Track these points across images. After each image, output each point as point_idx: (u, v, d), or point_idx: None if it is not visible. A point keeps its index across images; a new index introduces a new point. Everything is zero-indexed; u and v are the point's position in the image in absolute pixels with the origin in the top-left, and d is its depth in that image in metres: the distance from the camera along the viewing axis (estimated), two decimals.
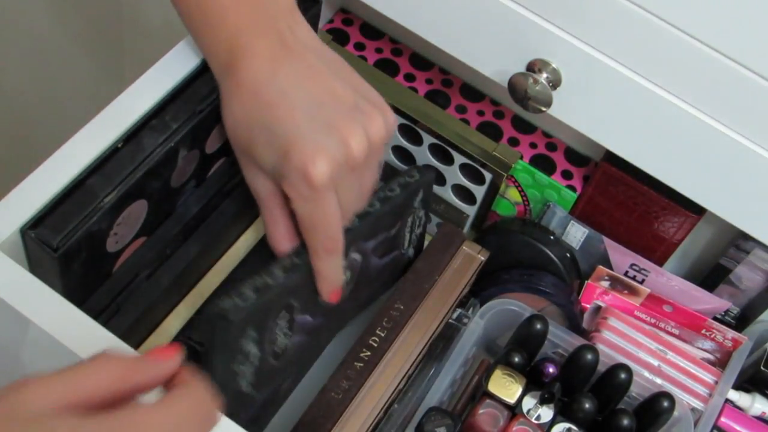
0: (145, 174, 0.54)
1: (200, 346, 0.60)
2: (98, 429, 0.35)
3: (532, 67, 0.61)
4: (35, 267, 0.53)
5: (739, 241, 0.73)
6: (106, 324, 0.56)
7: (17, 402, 0.35)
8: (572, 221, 0.76)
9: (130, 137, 0.55)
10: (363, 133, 0.52)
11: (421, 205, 0.67)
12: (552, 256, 0.76)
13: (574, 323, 0.75)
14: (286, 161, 0.51)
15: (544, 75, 0.60)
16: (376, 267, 0.65)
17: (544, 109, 0.62)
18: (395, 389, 0.63)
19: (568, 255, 0.77)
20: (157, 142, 0.55)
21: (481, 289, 0.76)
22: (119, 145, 0.54)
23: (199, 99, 0.57)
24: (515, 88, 0.62)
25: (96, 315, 0.57)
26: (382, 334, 0.65)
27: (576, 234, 0.77)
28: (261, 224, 0.67)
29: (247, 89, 0.52)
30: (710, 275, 0.77)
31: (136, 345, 0.60)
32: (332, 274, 0.57)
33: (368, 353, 0.64)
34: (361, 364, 0.64)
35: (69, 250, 0.50)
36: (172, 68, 0.59)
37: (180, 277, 0.62)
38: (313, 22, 0.64)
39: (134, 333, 0.60)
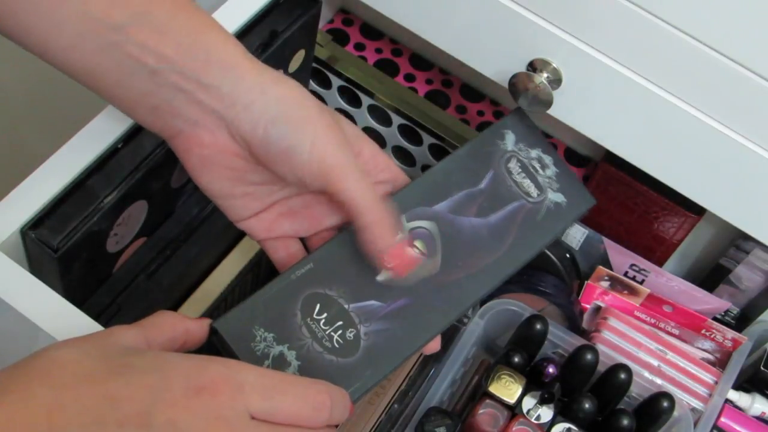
0: (145, 174, 0.54)
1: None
2: (184, 359, 0.39)
3: (533, 67, 0.61)
4: (35, 267, 0.53)
5: (738, 242, 0.73)
6: (106, 324, 0.56)
7: (110, 338, 0.41)
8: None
9: (131, 138, 0.55)
10: None
11: (522, 146, 0.61)
12: (551, 256, 0.76)
13: (573, 324, 0.75)
14: None
15: (545, 75, 0.60)
16: (477, 226, 0.58)
17: (544, 108, 0.62)
18: (397, 390, 0.63)
19: (568, 255, 0.77)
20: (158, 142, 0.55)
21: None
22: (119, 146, 0.54)
23: None
24: (516, 89, 0.62)
25: (97, 315, 0.57)
26: None
27: (576, 234, 0.77)
28: None
29: None
30: (710, 275, 0.77)
31: None
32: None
33: None
34: None
35: (69, 250, 0.50)
36: None
37: (180, 277, 0.62)
38: (313, 22, 0.64)
39: None
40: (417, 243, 0.55)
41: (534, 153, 0.61)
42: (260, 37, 0.60)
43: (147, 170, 0.54)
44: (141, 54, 0.45)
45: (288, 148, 0.48)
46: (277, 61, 0.62)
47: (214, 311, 0.67)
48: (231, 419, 0.38)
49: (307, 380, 0.43)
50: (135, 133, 0.55)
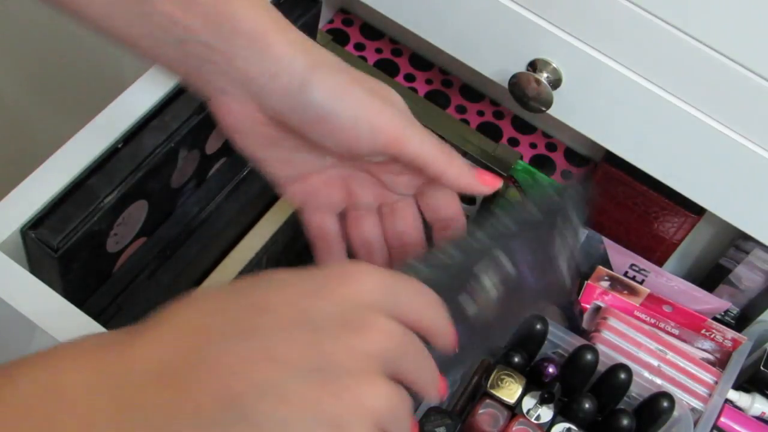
0: (145, 174, 0.54)
1: None
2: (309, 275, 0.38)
3: (533, 67, 0.61)
4: (35, 267, 0.53)
5: (738, 242, 0.73)
6: (106, 325, 0.56)
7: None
8: None
9: (131, 137, 0.55)
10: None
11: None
12: None
13: (573, 324, 0.75)
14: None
15: (545, 75, 0.60)
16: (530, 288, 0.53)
17: (544, 109, 0.62)
18: None
19: None
20: (158, 142, 0.55)
21: None
22: (119, 146, 0.54)
23: (199, 100, 0.57)
24: (516, 88, 0.62)
25: (97, 315, 0.57)
26: None
27: None
28: (265, 226, 0.67)
29: None
30: (710, 275, 0.77)
31: None
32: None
33: None
34: None
35: (69, 250, 0.50)
36: None
37: (181, 277, 0.62)
38: (313, 23, 0.64)
39: None
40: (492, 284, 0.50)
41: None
42: None
43: (147, 170, 0.54)
44: (168, 25, 0.45)
45: (325, 115, 0.46)
46: None
47: None
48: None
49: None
50: (135, 132, 0.55)
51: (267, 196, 0.68)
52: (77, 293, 0.54)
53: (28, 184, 0.52)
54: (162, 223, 0.60)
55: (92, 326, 0.50)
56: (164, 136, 0.55)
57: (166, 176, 0.57)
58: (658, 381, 0.71)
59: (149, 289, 0.60)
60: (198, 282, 0.65)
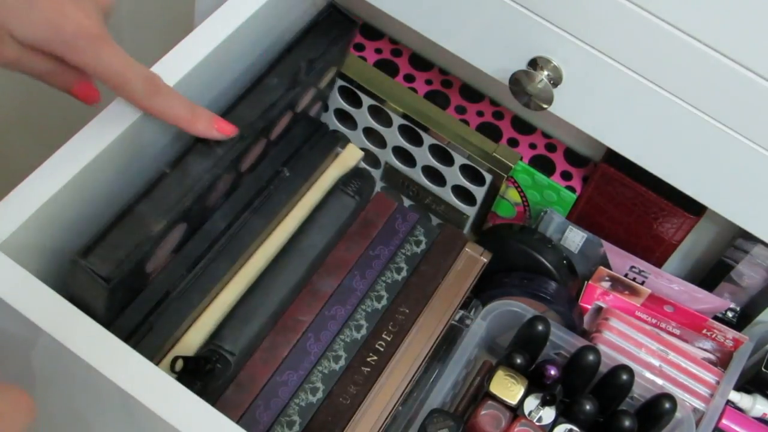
0: (192, 201, 0.54)
1: (231, 355, 0.60)
2: None
3: (534, 65, 0.61)
4: (76, 291, 0.52)
5: (738, 241, 0.73)
6: (138, 344, 0.56)
7: None
8: (570, 226, 0.76)
9: (177, 162, 0.55)
10: None
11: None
12: (548, 264, 0.76)
13: (572, 330, 0.75)
14: (59, 30, 0.49)
15: (545, 73, 0.60)
16: None
17: (545, 106, 0.62)
18: (402, 393, 0.63)
19: (565, 262, 0.77)
20: (205, 168, 0.55)
21: (481, 290, 0.75)
22: (167, 170, 0.54)
23: (244, 124, 0.57)
24: (516, 86, 0.62)
25: (129, 334, 0.56)
26: (388, 338, 0.65)
27: (575, 239, 0.77)
28: (279, 236, 0.67)
29: None
30: (711, 273, 0.76)
31: (158, 358, 0.60)
32: (182, 107, 0.55)
33: (375, 357, 0.64)
34: (368, 369, 0.63)
35: (120, 280, 0.50)
36: (173, 67, 0.58)
37: (209, 295, 0.62)
38: (348, 43, 0.65)
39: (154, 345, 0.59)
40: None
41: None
42: (303, 60, 0.61)
43: (194, 197, 0.54)
44: None
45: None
46: (314, 80, 0.63)
47: None
48: None
49: None
50: (181, 157, 0.55)
51: (290, 206, 0.68)
52: (113, 312, 0.54)
53: (28, 184, 0.52)
54: (190, 238, 0.60)
55: (92, 326, 0.50)
56: (210, 163, 0.55)
57: (206, 198, 0.57)
58: (660, 381, 0.71)
59: (180, 309, 0.59)
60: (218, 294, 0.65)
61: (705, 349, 0.76)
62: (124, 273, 0.50)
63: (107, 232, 0.51)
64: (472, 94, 0.79)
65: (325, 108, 0.73)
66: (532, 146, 0.77)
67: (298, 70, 0.60)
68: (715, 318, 0.75)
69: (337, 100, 0.79)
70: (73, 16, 0.49)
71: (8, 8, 0.48)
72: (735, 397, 0.72)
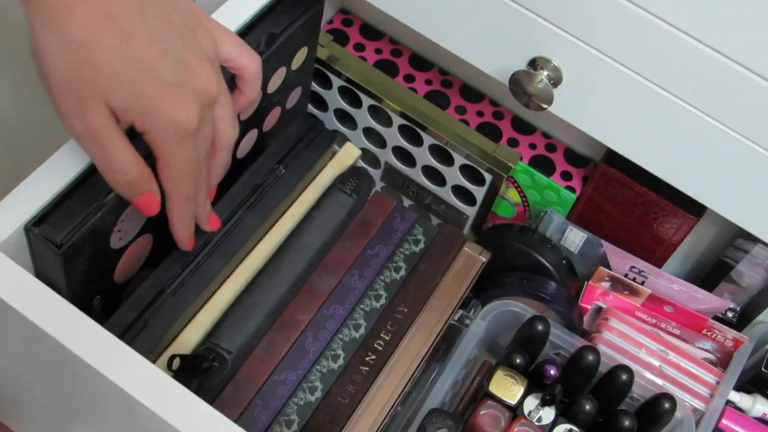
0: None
1: (228, 354, 0.60)
2: None
3: (533, 66, 0.61)
4: (38, 264, 0.53)
5: (738, 241, 0.73)
6: (132, 341, 0.56)
7: None
8: (570, 226, 0.76)
9: (134, 135, 0.54)
10: (208, 63, 0.48)
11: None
12: (547, 264, 0.76)
13: (572, 329, 0.75)
14: (150, 110, 0.46)
15: (545, 73, 0.60)
16: None
17: (545, 106, 0.62)
18: (401, 392, 0.63)
19: (565, 262, 0.77)
20: None
21: (481, 290, 0.75)
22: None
23: None
24: (517, 86, 0.62)
25: (123, 331, 0.56)
26: (387, 338, 0.65)
27: (575, 239, 0.77)
28: (276, 234, 0.67)
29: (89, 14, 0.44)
30: (712, 272, 0.77)
31: (154, 356, 0.60)
32: (188, 218, 0.54)
33: (373, 357, 0.64)
34: (367, 368, 0.63)
35: (73, 246, 0.50)
36: None
37: (204, 292, 0.62)
38: (316, 20, 0.64)
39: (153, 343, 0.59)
40: None
41: None
42: (264, 33, 0.60)
43: (151, 165, 0.53)
44: None
45: None
46: (281, 56, 0.62)
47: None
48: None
49: None
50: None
51: (286, 204, 0.68)
52: (81, 289, 0.54)
53: (28, 184, 0.52)
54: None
55: (92, 326, 0.50)
56: None
57: None
58: (660, 381, 0.71)
59: (175, 305, 0.59)
60: (215, 292, 0.65)
61: (705, 349, 0.76)
62: (76, 240, 0.50)
63: (61, 202, 0.51)
64: (472, 94, 0.79)
65: (308, 97, 0.73)
66: (532, 146, 0.77)
67: (258, 44, 0.60)
68: (715, 318, 0.75)
69: (337, 100, 0.80)
70: (172, 104, 0.47)
71: (112, 74, 0.45)
72: (735, 397, 0.72)
